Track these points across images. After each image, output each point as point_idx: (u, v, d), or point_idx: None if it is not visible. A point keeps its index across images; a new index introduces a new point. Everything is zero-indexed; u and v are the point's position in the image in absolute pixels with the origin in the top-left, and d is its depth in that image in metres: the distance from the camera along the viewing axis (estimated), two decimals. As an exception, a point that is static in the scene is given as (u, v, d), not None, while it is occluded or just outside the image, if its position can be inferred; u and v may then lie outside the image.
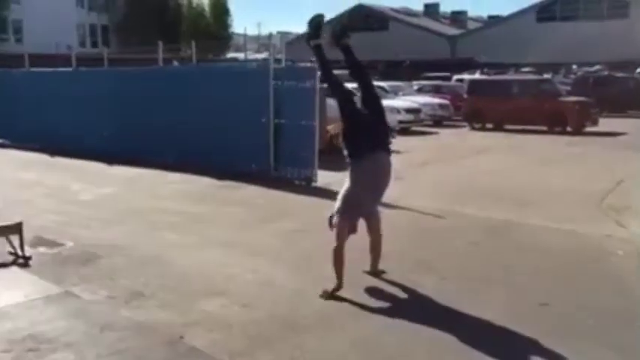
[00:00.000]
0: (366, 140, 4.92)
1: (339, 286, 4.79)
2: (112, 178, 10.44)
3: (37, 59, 16.96)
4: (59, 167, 11.79)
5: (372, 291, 4.88)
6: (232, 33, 52.88)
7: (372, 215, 5.18)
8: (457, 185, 9.66)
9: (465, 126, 20.40)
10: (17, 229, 5.57)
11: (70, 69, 14.10)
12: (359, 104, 5.09)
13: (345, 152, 5.03)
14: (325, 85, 7.14)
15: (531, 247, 6.16)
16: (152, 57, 16.62)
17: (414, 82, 27.27)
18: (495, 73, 29.02)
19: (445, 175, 10.75)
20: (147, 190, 9.48)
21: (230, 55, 47.33)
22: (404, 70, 34.65)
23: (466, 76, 27.12)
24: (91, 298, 4.69)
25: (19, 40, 41.63)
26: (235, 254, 5.89)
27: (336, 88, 5.15)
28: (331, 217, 5.06)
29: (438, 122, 20.96)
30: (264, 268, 5.44)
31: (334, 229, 4.97)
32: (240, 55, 44.11)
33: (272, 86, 9.75)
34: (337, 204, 5.04)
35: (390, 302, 4.69)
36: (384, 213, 7.59)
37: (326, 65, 5.24)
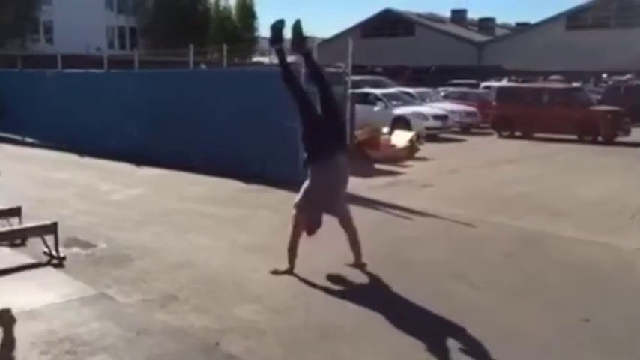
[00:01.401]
0: (325, 142, 5.20)
1: (290, 270, 5.37)
2: (141, 179, 10.51)
3: (67, 60, 17.21)
4: (89, 167, 11.91)
5: (405, 301, 4.82)
6: (258, 37, 53.13)
7: (336, 212, 5.48)
8: (487, 194, 9.52)
9: (492, 134, 20.16)
10: (53, 229, 5.61)
11: (101, 70, 14.26)
12: (318, 108, 5.35)
13: (304, 153, 5.34)
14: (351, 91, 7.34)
15: (567, 259, 6.02)
16: (180, 60, 16.82)
17: (441, 89, 27.08)
18: (523, 81, 28.65)
19: (475, 183, 10.61)
20: (176, 191, 9.51)
21: (255, 59, 47.53)
22: (430, 76, 34.46)
23: (494, 83, 26.82)
24: (126, 300, 4.70)
25: (49, 41, 42.35)
26: (267, 259, 5.84)
27: (295, 92, 5.40)
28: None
29: (465, 129, 20.75)
30: (297, 274, 5.40)
31: (293, 221, 5.43)
32: (265, 59, 44.29)
33: (302, 91, 9.71)
34: (296, 199, 5.40)
35: (425, 315, 4.61)
36: (415, 220, 7.65)
37: (287, 68, 5.49)
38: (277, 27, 5.42)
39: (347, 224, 5.51)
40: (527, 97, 19.15)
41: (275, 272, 5.36)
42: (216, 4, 50.72)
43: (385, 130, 13.69)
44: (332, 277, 5.36)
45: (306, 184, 5.41)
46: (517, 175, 11.57)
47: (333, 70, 9.85)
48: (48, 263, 5.52)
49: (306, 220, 5.39)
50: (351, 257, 5.64)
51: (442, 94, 25.59)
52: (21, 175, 10.76)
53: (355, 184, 9.56)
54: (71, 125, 14.15)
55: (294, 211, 5.43)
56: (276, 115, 10.06)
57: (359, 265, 5.57)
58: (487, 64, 41.77)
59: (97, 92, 13.75)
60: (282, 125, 9.96)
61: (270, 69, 14.03)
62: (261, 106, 10.28)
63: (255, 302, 4.70)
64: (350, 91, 9.48)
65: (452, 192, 9.66)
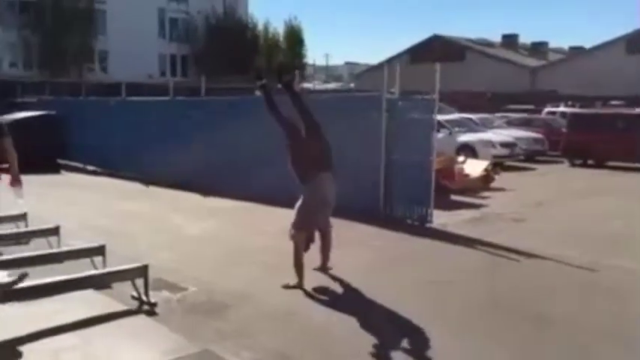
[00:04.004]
0: (311, 165, 5.72)
1: (299, 284, 5.69)
2: (212, 211, 10.06)
3: (117, 87, 17.14)
4: (156, 197, 11.55)
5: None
6: (306, 63, 53.28)
7: (324, 226, 6.07)
8: (586, 230, 8.72)
9: (561, 161, 19.20)
10: (143, 272, 5.12)
11: (165, 98, 14.04)
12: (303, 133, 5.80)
13: (296, 176, 5.81)
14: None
15: None
16: (235, 87, 16.66)
17: (498, 115, 26.19)
18: (580, 106, 27.61)
19: (567, 217, 9.79)
20: (251, 225, 9.01)
21: (302, 85, 47.55)
22: (485, 102, 33.57)
23: (558, 109, 25.83)
24: (235, 360, 4.13)
25: (104, 69, 43.27)
26: (375, 308, 5.23)
27: (282, 123, 5.98)
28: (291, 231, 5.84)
29: (530, 157, 19.82)
30: (415, 326, 4.77)
31: (293, 241, 5.82)
32: (310, 86, 44.29)
33: (385, 119, 9.16)
34: (294, 219, 5.82)
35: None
36: (523, 263, 6.91)
37: (272, 100, 6.15)
38: (258, 70, 5.64)
39: (326, 235, 6.12)
40: (601, 124, 18.15)
41: (286, 287, 5.68)
42: (265, 31, 51.09)
43: (460, 158, 12.98)
44: (455, 333, 4.67)
45: (298, 204, 5.84)
46: (607, 209, 10.69)
47: (420, 97, 9.26)
48: (139, 311, 5.01)
49: (307, 237, 5.85)
50: (458, 310, 4.97)
51: (501, 120, 24.72)
52: (91, 205, 10.50)
53: (439, 217, 8.98)
54: (134, 153, 13.92)
55: (292, 232, 5.82)
56: (356, 145, 9.50)
57: (325, 269, 6.16)
58: (542, 89, 40.62)
59: (161, 120, 13.49)
60: (362, 156, 9.42)
61: (348, 95, 13.55)
62: (337, 134, 9.66)
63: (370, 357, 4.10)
64: (434, 117, 8.86)
65: (548, 228, 8.88)
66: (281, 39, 51.73)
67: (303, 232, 5.82)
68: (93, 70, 41.89)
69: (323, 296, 5.59)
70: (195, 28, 47.74)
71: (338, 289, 5.84)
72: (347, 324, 4.85)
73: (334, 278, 6.11)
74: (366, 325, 4.82)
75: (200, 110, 12.80)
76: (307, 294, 5.63)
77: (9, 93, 24.54)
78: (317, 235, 6.17)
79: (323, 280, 6.06)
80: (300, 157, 5.76)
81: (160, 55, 47.16)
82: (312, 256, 6.22)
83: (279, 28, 51.71)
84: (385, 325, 4.83)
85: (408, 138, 9.03)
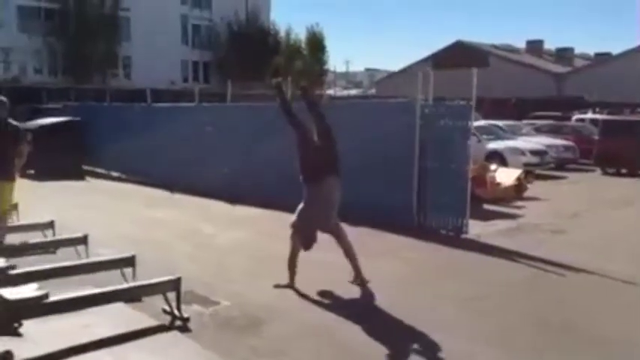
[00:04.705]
0: (319, 168, 5.84)
1: (290, 285, 5.90)
2: (240, 220, 9.84)
3: (141, 93, 17.13)
4: (182, 205, 11.37)
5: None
6: (327, 70, 53.08)
7: (330, 230, 6.01)
8: (627, 243, 8.42)
9: (592, 170, 18.70)
10: (176, 285, 4.91)
11: (190, 104, 13.92)
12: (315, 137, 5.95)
13: (301, 177, 5.94)
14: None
15: None
16: (257, 93, 16.49)
17: (524, 121, 25.71)
18: (608, 113, 27.01)
19: (605, 229, 9.43)
20: (280, 235, 8.58)
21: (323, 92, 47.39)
22: (510, 109, 33.03)
23: (588, 116, 25.27)
24: (274, 381, 3.90)
25: (127, 76, 43.52)
26: (416, 325, 4.95)
27: (295, 125, 6.06)
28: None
29: (560, 165, 19.34)
30: (461, 347, 4.49)
31: (290, 240, 6.01)
32: (331, 92, 44.12)
33: (418, 126, 8.89)
34: (293, 219, 6.00)
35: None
36: (569, 278, 6.58)
37: (286, 101, 6.32)
38: (275, 68, 5.54)
39: (342, 240, 6.04)
40: (635, 131, 17.64)
41: (277, 286, 5.86)
42: (287, 37, 51.03)
43: (493, 167, 12.63)
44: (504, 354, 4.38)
45: (301, 205, 5.97)
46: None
47: (454, 102, 8.99)
48: (172, 326, 4.80)
49: (302, 238, 5.93)
50: (503, 328, 4.67)
51: (528, 127, 24.25)
52: (117, 213, 10.36)
53: (473, 228, 8.66)
54: (159, 159, 13.79)
55: (291, 231, 5.99)
56: (388, 152, 9.23)
57: (359, 281, 5.99)
58: (568, 96, 39.92)
59: (186, 126, 13.33)
60: (395, 163, 9.15)
61: (381, 102, 13.23)
62: (369, 141, 9.45)
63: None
64: (471, 123, 8.60)
65: (587, 240, 8.53)
66: (303, 45, 51.63)
67: (299, 232, 5.95)
68: (117, 76, 42.11)
69: (358, 312, 5.33)
70: (217, 34, 47.84)
71: (372, 304, 5.57)
72: (386, 345, 4.57)
73: (368, 293, 5.85)
74: (405, 346, 4.56)
75: (226, 117, 12.64)
76: (341, 309, 5.39)
77: (34, 99, 24.68)
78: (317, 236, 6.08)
79: (355, 293, 5.81)
80: (309, 159, 5.91)
81: (183, 62, 47.31)
82: (342, 264, 5.96)
83: (300, 34, 51.67)
84: (429, 348, 4.55)
85: (442, 145, 8.74)
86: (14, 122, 6.84)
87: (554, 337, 4.77)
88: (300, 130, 6.03)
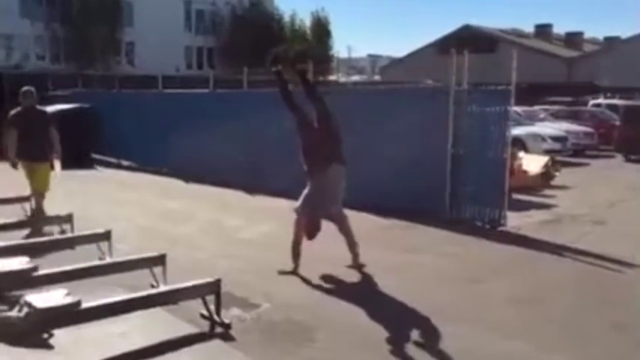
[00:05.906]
0: (320, 155, 5.75)
1: (294, 269, 5.88)
2: (262, 211, 9.40)
3: (148, 80, 16.66)
4: (199, 196, 10.93)
5: None
6: (333, 55, 52.34)
7: (332, 217, 5.95)
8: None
9: (612, 156, 18.25)
10: (216, 288, 4.49)
11: (205, 90, 13.43)
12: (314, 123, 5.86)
13: (304, 166, 5.88)
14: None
15: None
16: (263, 79, 15.87)
17: (537, 107, 25.18)
18: (620, 98, 26.50)
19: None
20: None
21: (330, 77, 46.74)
22: (521, 94, 32.49)
23: (604, 101, 24.75)
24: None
25: (130, 62, 42.89)
26: (482, 331, 4.53)
27: (295, 111, 6.06)
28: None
29: (579, 152, 18.86)
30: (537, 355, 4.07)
31: (294, 226, 5.94)
32: (334, 78, 43.51)
33: (452, 112, 8.42)
34: (297, 205, 5.93)
35: None
36: (628, 274, 6.14)
37: (286, 88, 6.28)
38: (274, 54, 5.04)
39: (342, 226, 5.98)
40: (660, 117, 17.16)
41: (282, 272, 5.82)
42: (292, 22, 50.31)
43: (521, 154, 12.17)
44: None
45: (305, 191, 5.92)
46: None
47: (492, 87, 8.52)
48: (213, 334, 4.38)
49: (305, 224, 5.83)
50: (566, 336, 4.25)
51: (545, 113, 23.73)
52: (133, 204, 9.92)
53: (509, 219, 8.20)
54: (171, 148, 13.29)
55: (295, 216, 5.93)
56: (420, 140, 8.79)
57: (357, 266, 5.99)
58: (578, 81, 39.30)
59: (198, 114, 12.83)
60: (427, 152, 8.70)
61: (411, 87, 12.63)
62: (400, 128, 8.98)
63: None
64: (510, 108, 8.16)
65: (632, 231, 8.10)
66: (307, 30, 50.91)
67: (303, 218, 5.86)
68: (120, 62, 41.53)
69: (407, 317, 4.89)
70: (221, 19, 47.17)
71: (420, 307, 5.05)
72: (448, 349, 4.16)
73: (417, 295, 5.39)
74: (469, 352, 4.13)
75: (241, 103, 12.13)
76: (384, 312, 4.96)
77: (39, 86, 24.09)
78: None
79: (402, 295, 5.36)
80: (310, 146, 5.83)
81: (187, 48, 46.66)
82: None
83: (305, 19, 50.94)
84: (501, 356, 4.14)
85: (478, 132, 8.30)
86: (42, 108, 7.56)
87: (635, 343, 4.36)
88: (300, 117, 6.00)
